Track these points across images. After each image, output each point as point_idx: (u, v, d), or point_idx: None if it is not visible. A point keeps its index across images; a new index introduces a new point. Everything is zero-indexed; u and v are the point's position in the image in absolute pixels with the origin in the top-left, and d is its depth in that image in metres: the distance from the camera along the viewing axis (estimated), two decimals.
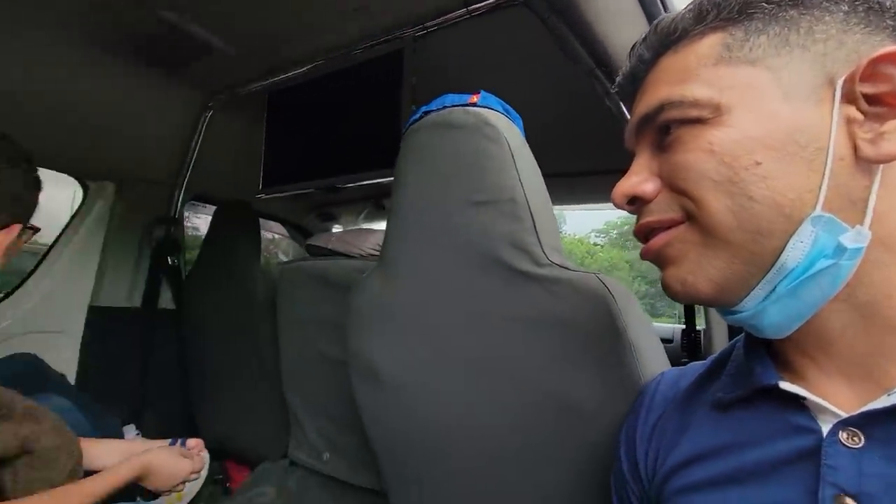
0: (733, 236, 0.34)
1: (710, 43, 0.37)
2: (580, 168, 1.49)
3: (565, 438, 0.59)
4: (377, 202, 1.79)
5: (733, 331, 1.13)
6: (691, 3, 0.39)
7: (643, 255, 0.42)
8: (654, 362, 0.55)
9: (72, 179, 1.48)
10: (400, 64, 1.02)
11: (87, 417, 1.12)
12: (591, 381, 0.56)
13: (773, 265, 0.34)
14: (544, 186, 0.64)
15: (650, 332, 0.58)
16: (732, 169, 0.34)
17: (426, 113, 0.69)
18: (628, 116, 0.44)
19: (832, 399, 0.34)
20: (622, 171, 0.42)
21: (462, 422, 0.68)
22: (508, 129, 0.62)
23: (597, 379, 0.56)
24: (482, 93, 0.68)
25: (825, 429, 0.34)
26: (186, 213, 1.70)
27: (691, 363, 0.50)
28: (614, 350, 0.54)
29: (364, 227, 2.01)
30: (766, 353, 0.40)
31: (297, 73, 1.23)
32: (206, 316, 1.48)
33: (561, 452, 0.59)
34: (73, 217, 1.51)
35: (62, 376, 1.30)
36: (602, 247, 15.43)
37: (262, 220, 1.65)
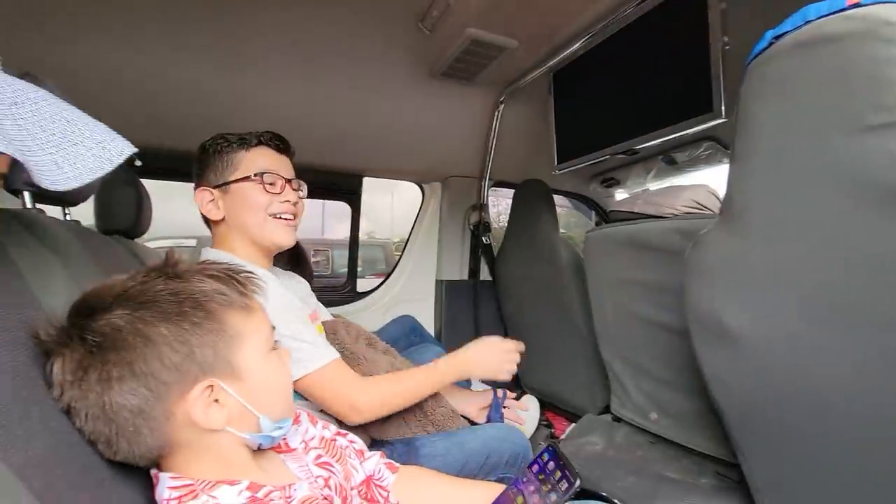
0: None
1: None
2: None
3: None
4: (668, 158, 1.65)
5: None
6: None
7: None
8: None
9: (414, 185, 1.97)
10: None
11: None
12: None
13: None
14: None
15: None
16: None
17: (777, 37, 0.59)
18: None
19: None
20: None
21: (848, 384, 0.57)
22: None
23: None
24: None
25: None
26: (491, 199, 2.00)
27: None
28: None
29: (652, 186, 1.90)
30: None
31: (578, 47, 1.25)
32: (517, 282, 1.72)
33: None
34: (417, 214, 2.00)
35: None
36: None
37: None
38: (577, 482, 0.58)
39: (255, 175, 0.91)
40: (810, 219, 0.58)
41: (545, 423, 1.74)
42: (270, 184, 0.92)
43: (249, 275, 0.54)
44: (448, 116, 1.65)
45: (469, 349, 1.02)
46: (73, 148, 0.33)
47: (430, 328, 1.93)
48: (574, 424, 1.44)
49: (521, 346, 1.05)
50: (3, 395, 0.35)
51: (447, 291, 1.94)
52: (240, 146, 0.93)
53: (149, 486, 0.48)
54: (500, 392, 1.30)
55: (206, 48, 1.23)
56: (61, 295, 0.52)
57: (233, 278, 0.52)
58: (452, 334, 1.93)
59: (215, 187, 0.92)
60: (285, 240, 0.95)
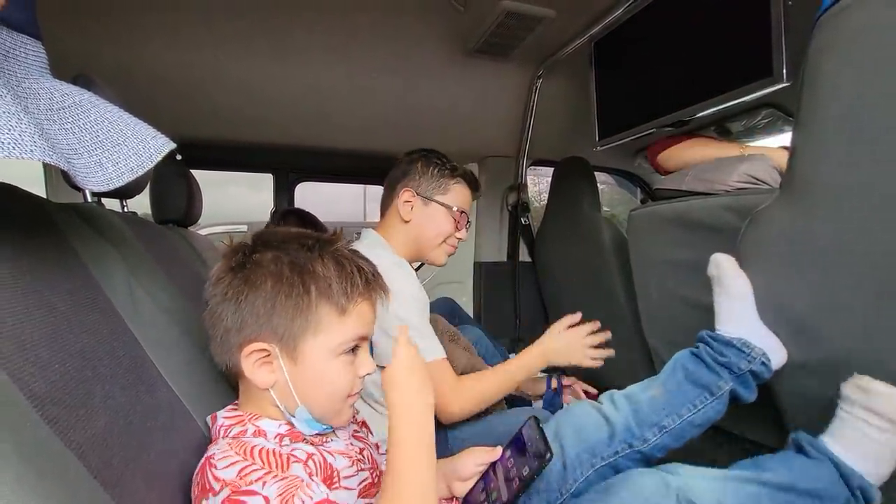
0: None
1: None
2: None
3: None
4: (721, 129, 1.53)
5: None
6: None
7: None
8: None
9: None
10: None
11: (492, 342, 1.49)
12: None
13: None
14: None
15: None
16: None
17: None
18: None
19: None
20: None
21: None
22: None
23: None
24: None
25: None
26: (530, 177, 1.95)
27: None
28: None
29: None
30: None
31: (621, 13, 1.17)
32: (557, 263, 1.68)
33: None
34: None
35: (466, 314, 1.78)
36: None
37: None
38: (549, 456, 0.59)
39: (457, 209, 1.05)
40: (889, 190, 0.52)
41: None
42: (459, 221, 1.06)
43: (377, 280, 0.58)
44: (484, 95, 1.61)
45: (545, 342, 1.04)
46: (115, 148, 0.34)
47: (469, 310, 1.93)
48: None
49: (596, 325, 1.06)
50: (69, 376, 0.37)
51: (485, 273, 1.93)
52: (452, 173, 1.06)
53: (199, 455, 0.51)
54: (553, 382, 1.27)
55: (249, 39, 1.26)
56: (119, 282, 0.56)
57: (359, 274, 0.55)
58: (491, 316, 1.93)
59: (420, 195, 1.04)
60: (442, 262, 1.09)
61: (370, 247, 1.02)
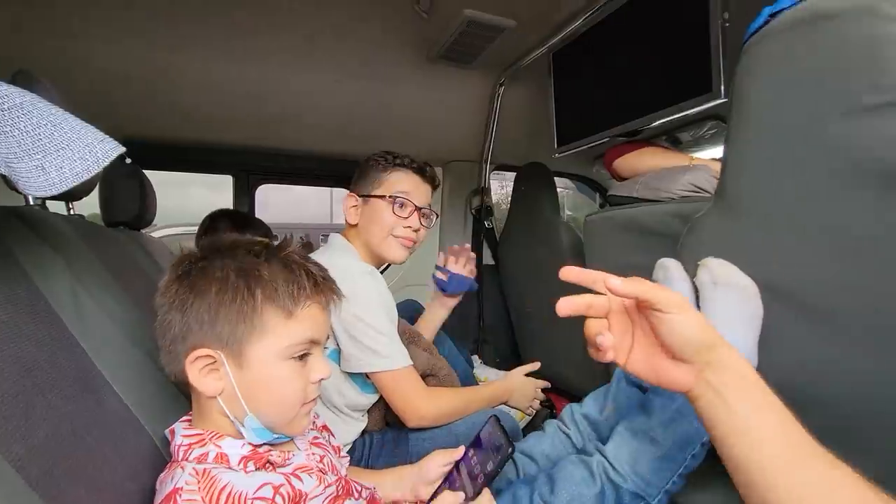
0: None
1: None
2: None
3: None
4: (672, 138, 1.62)
5: None
6: None
7: None
8: None
9: None
10: None
11: (455, 345, 1.51)
12: None
13: None
14: None
15: None
16: None
17: (773, 14, 0.57)
18: None
19: None
20: None
21: (843, 376, 0.57)
22: None
23: None
24: None
25: None
26: (497, 181, 1.99)
27: None
28: None
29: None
30: None
31: (578, 26, 1.22)
32: (519, 266, 1.72)
33: None
34: None
35: None
36: None
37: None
38: (511, 450, 0.61)
39: (390, 197, 1.02)
40: (804, 203, 0.57)
41: (547, 403, 1.76)
42: (400, 206, 1.02)
43: (327, 283, 0.57)
44: (448, 100, 1.63)
45: (513, 379, 1.19)
46: (59, 153, 0.34)
47: None
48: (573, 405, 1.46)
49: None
50: (7, 386, 0.36)
51: None
52: (387, 165, 1.04)
53: (150, 467, 0.50)
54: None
55: (209, 39, 1.23)
56: (63, 289, 0.54)
57: (307, 277, 0.54)
58: (455, 318, 1.94)
59: (360, 196, 1.04)
60: (398, 258, 1.05)
61: (338, 251, 1.02)
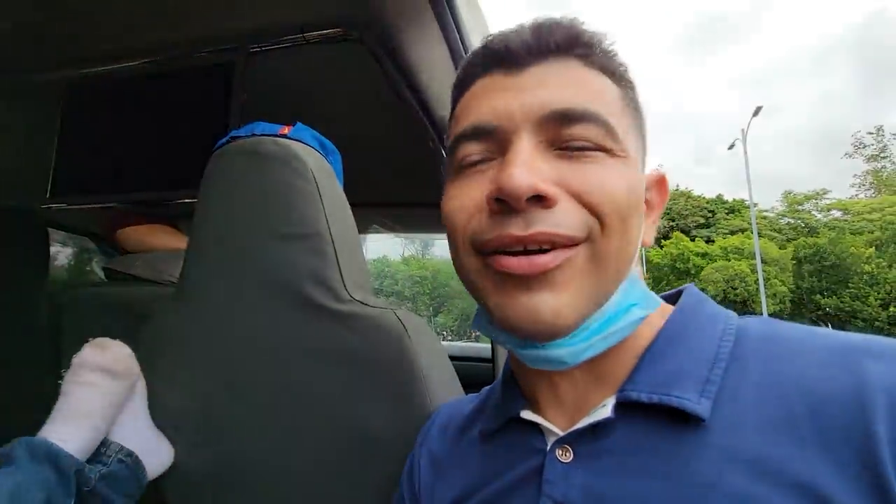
0: (612, 269, 0.35)
1: (608, 88, 0.37)
2: (407, 199, 1.58)
3: (366, 470, 0.59)
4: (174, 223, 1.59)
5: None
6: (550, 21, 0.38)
7: (514, 268, 0.34)
8: (443, 393, 0.59)
9: None
10: (230, 78, 0.95)
11: None
12: (388, 414, 0.58)
13: (604, 304, 0.35)
14: (353, 223, 0.65)
15: (443, 363, 0.63)
16: (632, 205, 0.35)
17: (234, 138, 0.66)
18: (445, 154, 0.42)
19: (559, 425, 0.39)
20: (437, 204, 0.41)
21: (258, 456, 0.64)
22: (318, 165, 0.63)
23: (392, 411, 0.58)
24: (297, 125, 0.68)
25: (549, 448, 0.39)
26: None
27: (469, 395, 0.55)
28: (407, 382, 0.57)
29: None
30: (516, 386, 0.45)
31: (108, 68, 1.07)
32: None
33: (362, 484, 0.59)
34: None
35: None
36: None
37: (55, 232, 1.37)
38: None
39: None
40: (234, 304, 0.64)
41: None
42: None
43: None
44: None
45: None
46: None
47: None
48: None
49: None
50: None
51: None
52: None
53: None
54: None
55: None
56: None
57: None
58: None
59: None
60: None
61: None
